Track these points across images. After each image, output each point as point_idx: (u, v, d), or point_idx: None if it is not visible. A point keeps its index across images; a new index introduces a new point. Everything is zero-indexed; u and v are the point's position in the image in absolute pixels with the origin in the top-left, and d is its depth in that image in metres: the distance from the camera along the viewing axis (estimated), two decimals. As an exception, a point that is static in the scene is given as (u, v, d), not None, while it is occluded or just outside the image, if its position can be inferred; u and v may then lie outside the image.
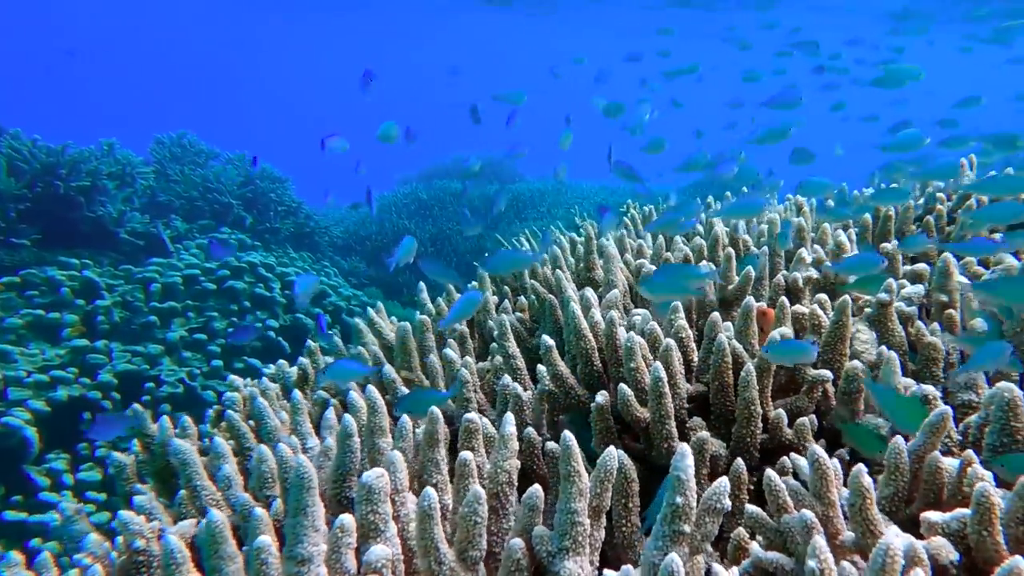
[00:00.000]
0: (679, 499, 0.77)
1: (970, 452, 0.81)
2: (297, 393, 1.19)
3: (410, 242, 2.18)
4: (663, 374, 0.99)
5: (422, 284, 1.81)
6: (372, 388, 1.03)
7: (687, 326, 1.18)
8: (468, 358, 1.34)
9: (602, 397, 1.04)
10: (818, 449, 0.80)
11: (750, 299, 1.14)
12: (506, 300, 1.70)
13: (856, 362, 1.05)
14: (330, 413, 1.21)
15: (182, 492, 1.07)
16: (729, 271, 1.33)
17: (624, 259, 1.59)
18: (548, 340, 1.16)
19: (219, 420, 1.55)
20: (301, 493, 0.80)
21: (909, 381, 1.12)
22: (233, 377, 1.60)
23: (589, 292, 1.28)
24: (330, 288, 4.74)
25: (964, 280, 1.32)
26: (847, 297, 1.13)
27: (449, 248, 8.35)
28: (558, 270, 1.42)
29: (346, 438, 0.96)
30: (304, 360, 1.57)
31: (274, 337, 3.96)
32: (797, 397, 1.10)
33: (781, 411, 1.02)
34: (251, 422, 1.29)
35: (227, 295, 4.01)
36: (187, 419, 1.32)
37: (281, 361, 1.67)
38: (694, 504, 0.78)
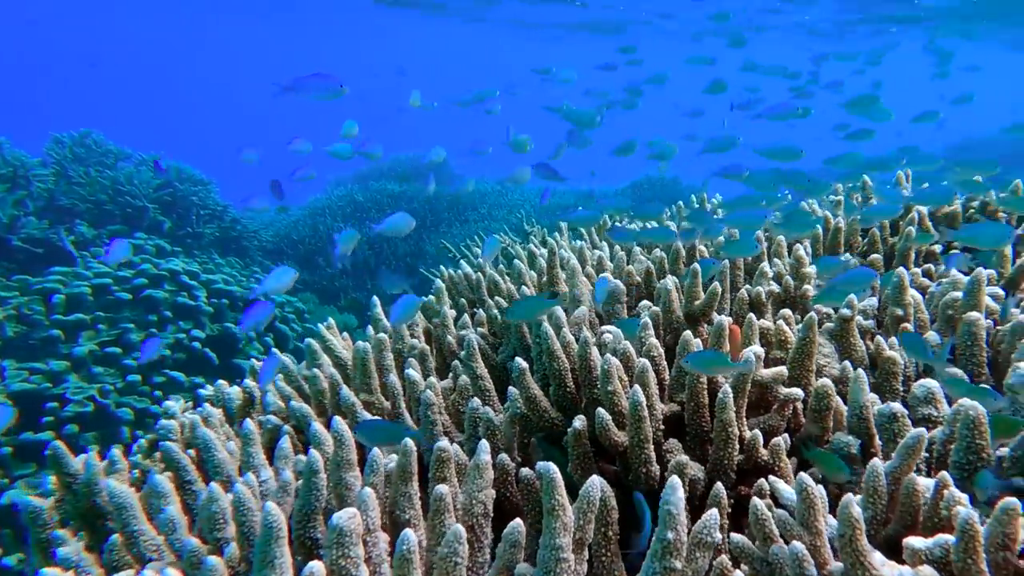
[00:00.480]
0: (670, 534, 0.75)
1: (945, 474, 0.83)
2: (250, 423, 1.12)
3: (351, 234, 2.12)
4: (642, 398, 0.98)
5: (376, 299, 1.76)
6: (339, 419, 0.98)
7: (659, 344, 1.17)
8: (432, 378, 1.30)
9: (580, 422, 1.03)
10: (806, 478, 0.80)
11: (722, 318, 1.14)
12: (464, 315, 1.66)
13: (826, 380, 1.07)
14: (285, 443, 1.15)
15: (115, 538, 0.98)
16: (695, 287, 1.33)
17: (585, 271, 1.58)
18: (521, 363, 1.13)
19: (152, 450, 1.45)
20: (269, 544, 0.75)
21: (874, 396, 1.15)
22: (169, 403, 1.50)
23: (559, 311, 1.26)
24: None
25: (917, 295, 1.38)
26: (813, 314, 1.16)
27: (388, 251, 8.25)
28: (523, 286, 1.39)
29: (311, 475, 0.91)
30: (249, 382, 1.49)
31: (199, 348, 3.78)
32: (769, 416, 1.11)
33: (757, 432, 1.02)
34: (190, 451, 1.21)
35: (145, 305, 3.80)
36: (117, 452, 1.23)
37: (220, 381, 1.58)
38: (685, 539, 0.77)
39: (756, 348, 1.12)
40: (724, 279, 1.42)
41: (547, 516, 0.81)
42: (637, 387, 0.99)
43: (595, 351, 1.12)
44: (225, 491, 0.98)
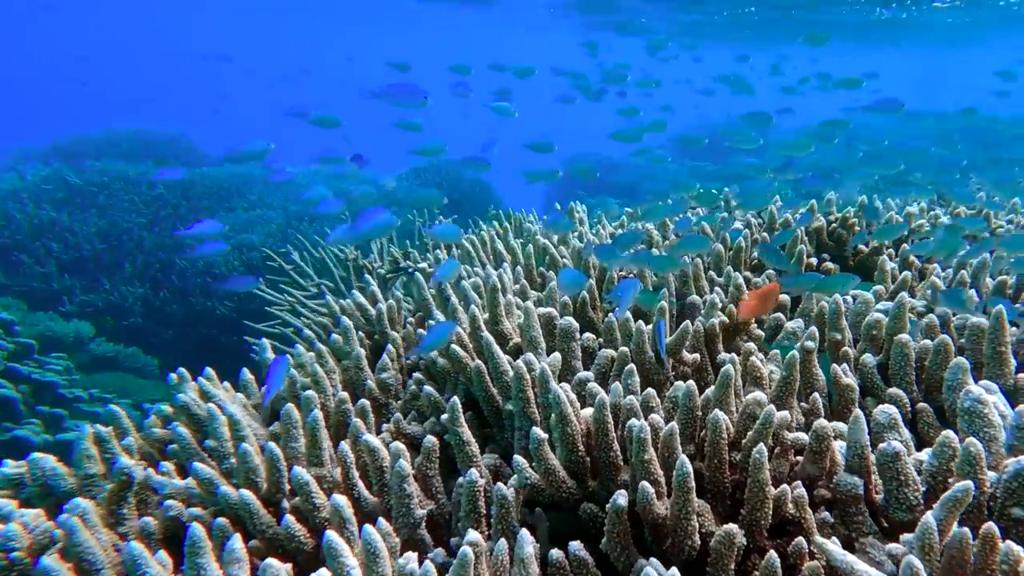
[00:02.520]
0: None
1: (991, 525, 0.95)
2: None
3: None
4: (689, 468, 1.00)
5: (265, 341, 1.56)
6: (371, 530, 0.86)
7: (658, 402, 1.20)
8: (398, 443, 1.19)
9: (623, 498, 1.01)
10: (916, 561, 0.85)
11: (728, 367, 1.19)
12: (386, 356, 1.54)
13: (823, 420, 1.17)
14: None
15: None
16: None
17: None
18: (539, 433, 1.08)
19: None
20: None
21: (841, 425, 1.29)
22: None
23: (544, 366, 1.22)
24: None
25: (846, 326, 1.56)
26: (795, 352, 1.26)
27: (132, 246, 7.38)
28: (531, 357, 1.31)
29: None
30: (126, 462, 1.23)
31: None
32: (777, 462, 1.19)
33: (786, 487, 1.09)
34: None
35: None
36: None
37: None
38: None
39: (759, 395, 1.18)
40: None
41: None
42: (683, 457, 1.00)
43: (609, 414, 1.10)
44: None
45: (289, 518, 1.12)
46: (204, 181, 8.20)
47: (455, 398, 1.19)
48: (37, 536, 1.10)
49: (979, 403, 1.21)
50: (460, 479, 1.22)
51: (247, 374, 1.60)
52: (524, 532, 0.96)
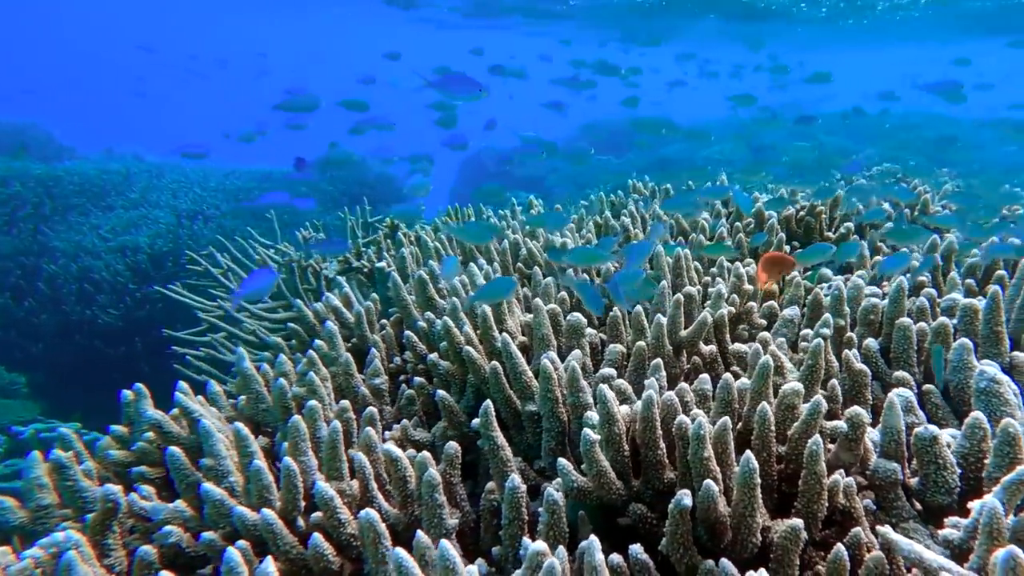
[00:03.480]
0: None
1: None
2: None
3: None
4: (755, 464, 0.99)
5: (242, 349, 1.43)
6: (447, 545, 0.79)
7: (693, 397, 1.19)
8: (425, 452, 1.12)
9: (688, 498, 0.99)
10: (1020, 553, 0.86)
11: (767, 358, 1.19)
12: (376, 360, 1.46)
13: (859, 408, 1.20)
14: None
15: None
16: (678, 317, 1.37)
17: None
18: (592, 435, 1.04)
19: None
20: None
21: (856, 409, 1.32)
22: None
23: (554, 362, 1.19)
24: None
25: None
26: (820, 340, 1.28)
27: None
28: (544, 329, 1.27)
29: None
30: (112, 488, 1.10)
31: None
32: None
33: (838, 477, 1.10)
34: None
35: None
36: None
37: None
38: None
39: (796, 385, 1.19)
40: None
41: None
42: (749, 453, 0.99)
43: (683, 417, 1.08)
44: None
45: (317, 537, 1.03)
46: (72, 177, 7.63)
47: (488, 402, 1.14)
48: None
49: (995, 383, 1.26)
50: (488, 484, 1.17)
51: (215, 386, 1.48)
52: (594, 539, 0.92)
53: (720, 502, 1.02)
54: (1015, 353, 1.46)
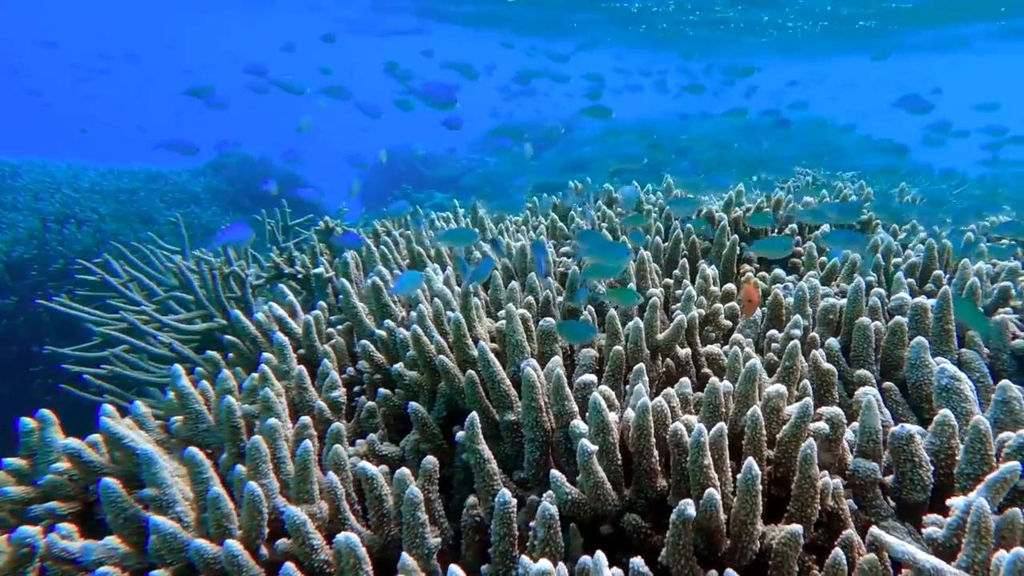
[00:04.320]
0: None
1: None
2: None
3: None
4: (758, 471, 1.00)
5: (178, 367, 1.34)
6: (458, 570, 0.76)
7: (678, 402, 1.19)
8: (403, 469, 1.08)
9: (691, 508, 0.98)
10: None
11: (755, 360, 1.20)
12: (332, 372, 1.40)
13: (836, 408, 1.23)
14: None
15: None
16: (653, 321, 1.37)
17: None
18: (589, 445, 1.02)
19: None
20: None
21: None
22: None
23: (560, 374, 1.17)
24: None
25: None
26: (796, 342, 1.31)
27: None
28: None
29: None
30: (27, 530, 1.00)
31: None
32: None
33: (827, 479, 1.13)
34: None
35: None
36: None
37: None
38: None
39: (780, 387, 1.21)
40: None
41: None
42: (751, 459, 1.00)
43: (680, 425, 1.07)
44: None
45: (289, 566, 0.97)
46: None
47: (474, 414, 1.10)
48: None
49: (955, 380, 1.33)
50: (469, 499, 1.14)
51: (141, 407, 1.38)
52: (600, 555, 0.91)
53: (721, 510, 1.02)
54: (962, 350, 1.55)
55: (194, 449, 1.08)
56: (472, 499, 1.14)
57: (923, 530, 1.11)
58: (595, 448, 1.03)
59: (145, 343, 2.23)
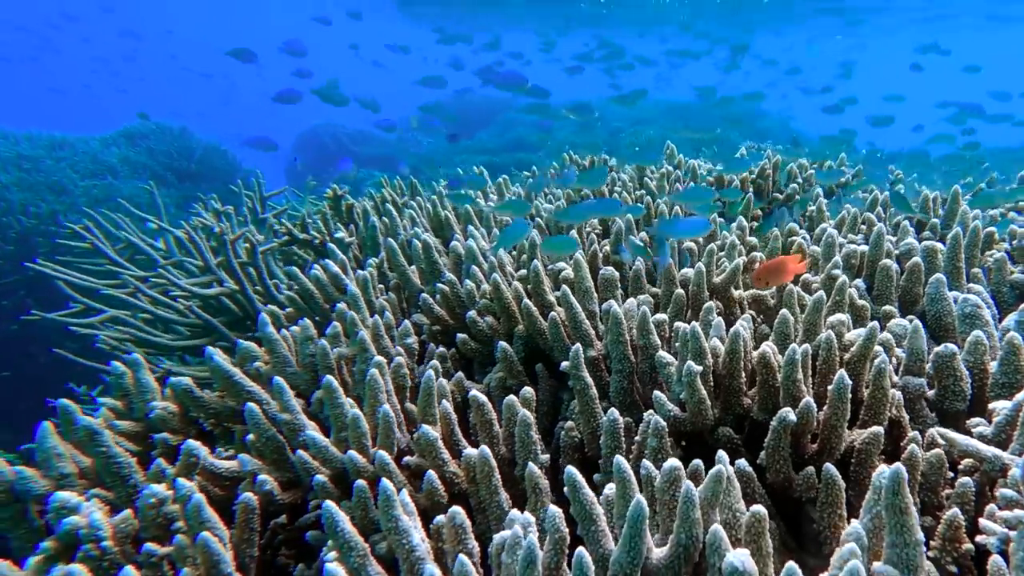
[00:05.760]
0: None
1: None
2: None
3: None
4: (848, 381, 1.16)
5: (265, 316, 1.42)
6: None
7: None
8: (512, 396, 1.22)
9: (792, 415, 1.14)
10: None
11: (820, 294, 1.37)
12: (405, 322, 1.50)
13: (887, 334, 1.42)
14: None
15: None
16: (711, 265, 1.53)
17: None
18: (695, 366, 1.17)
19: None
20: None
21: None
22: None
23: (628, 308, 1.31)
24: None
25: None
26: (844, 278, 1.49)
27: None
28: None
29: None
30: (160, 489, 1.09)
31: None
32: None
33: (893, 391, 1.31)
34: None
35: None
36: None
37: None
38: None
39: (842, 315, 1.39)
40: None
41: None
42: (843, 372, 1.17)
43: (766, 346, 1.23)
44: None
45: (432, 474, 1.11)
46: None
47: (578, 346, 1.24)
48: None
49: (978, 307, 1.54)
50: (567, 423, 1.28)
51: (245, 343, 1.46)
52: (722, 452, 1.04)
53: (816, 416, 1.19)
54: (970, 284, 1.76)
55: (330, 377, 1.19)
56: (568, 423, 1.28)
57: (973, 430, 1.31)
58: (700, 368, 1.18)
59: (157, 309, 2.25)
